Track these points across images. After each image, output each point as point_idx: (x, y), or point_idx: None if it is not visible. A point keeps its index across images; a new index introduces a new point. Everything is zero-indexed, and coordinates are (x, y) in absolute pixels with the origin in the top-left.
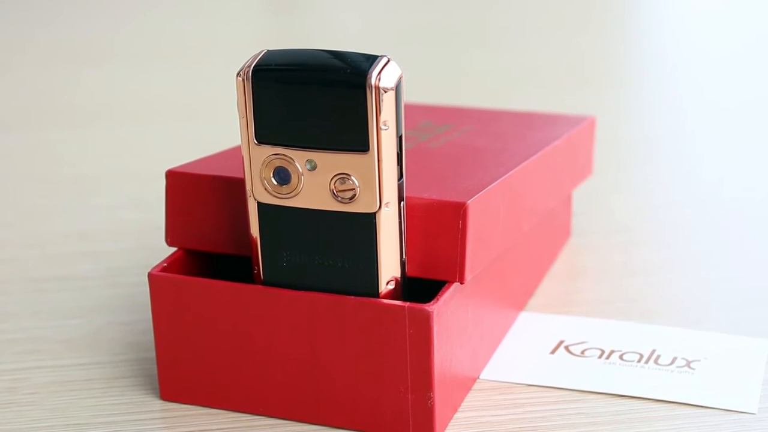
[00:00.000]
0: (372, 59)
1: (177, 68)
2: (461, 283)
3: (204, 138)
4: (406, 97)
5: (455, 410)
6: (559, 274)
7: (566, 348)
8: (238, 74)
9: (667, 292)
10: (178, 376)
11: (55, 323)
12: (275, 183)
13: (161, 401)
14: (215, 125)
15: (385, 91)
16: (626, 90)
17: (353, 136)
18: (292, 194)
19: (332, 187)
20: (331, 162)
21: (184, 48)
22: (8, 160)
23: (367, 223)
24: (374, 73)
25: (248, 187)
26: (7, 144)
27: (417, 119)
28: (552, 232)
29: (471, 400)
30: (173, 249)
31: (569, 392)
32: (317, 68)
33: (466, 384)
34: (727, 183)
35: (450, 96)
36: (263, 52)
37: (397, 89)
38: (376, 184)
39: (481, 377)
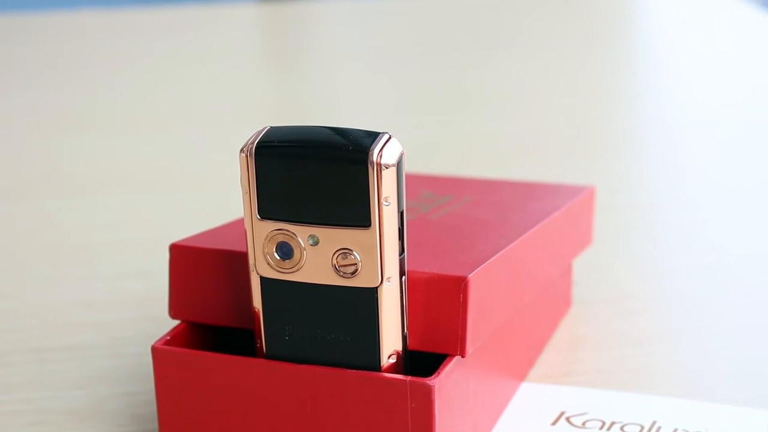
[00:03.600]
0: (374, 136)
1: (179, 135)
2: (462, 357)
3: (204, 207)
4: (407, 167)
5: None
6: (559, 344)
7: (567, 419)
8: (242, 150)
9: (668, 361)
10: None
11: (58, 394)
12: (278, 258)
13: None
14: (215, 194)
15: (387, 168)
16: (624, 157)
17: (355, 211)
18: (295, 269)
19: (334, 261)
20: (334, 237)
21: (186, 114)
22: (10, 230)
23: (369, 297)
24: (376, 150)
25: (251, 261)
26: (9, 213)
27: (418, 190)
28: (552, 301)
29: None
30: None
31: None
32: (319, 145)
33: None
34: (730, 250)
35: (449, 164)
36: (266, 129)
37: (399, 165)
38: (377, 259)
39: None
